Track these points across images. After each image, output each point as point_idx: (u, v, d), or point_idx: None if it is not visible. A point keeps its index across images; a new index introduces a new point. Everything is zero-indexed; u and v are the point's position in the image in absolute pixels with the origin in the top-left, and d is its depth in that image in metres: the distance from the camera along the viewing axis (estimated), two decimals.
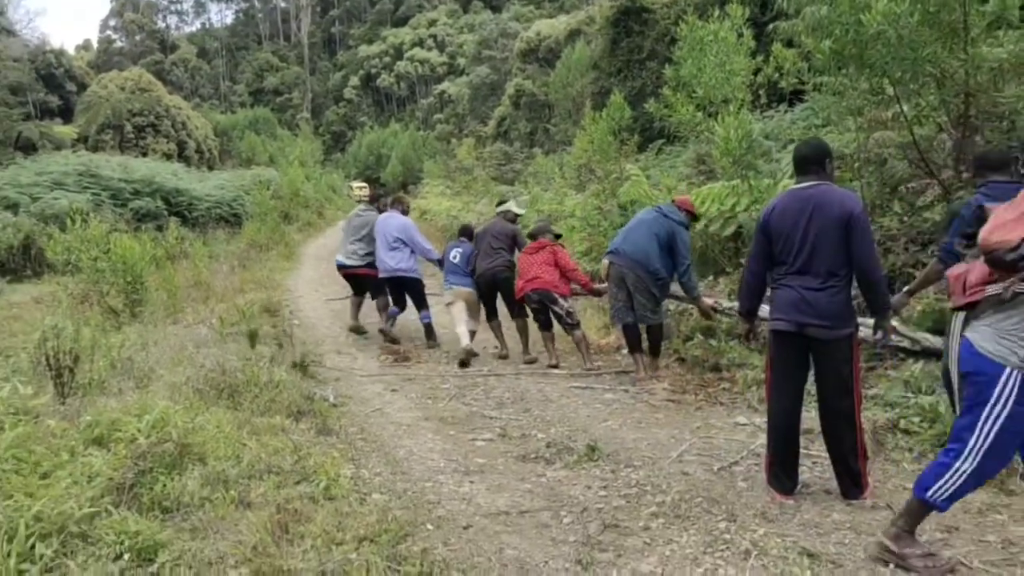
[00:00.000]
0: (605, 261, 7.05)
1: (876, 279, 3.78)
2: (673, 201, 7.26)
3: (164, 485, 3.56)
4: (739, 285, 4.70)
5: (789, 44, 9.48)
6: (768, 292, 4.16)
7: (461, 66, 72.89)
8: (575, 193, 18.02)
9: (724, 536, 3.46)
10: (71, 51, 77.70)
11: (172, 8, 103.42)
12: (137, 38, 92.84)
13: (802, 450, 4.15)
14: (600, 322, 8.78)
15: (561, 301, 7.36)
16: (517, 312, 7.95)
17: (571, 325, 7.43)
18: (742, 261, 8.48)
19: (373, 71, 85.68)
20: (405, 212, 8.98)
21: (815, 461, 4.43)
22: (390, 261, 8.36)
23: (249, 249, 17.42)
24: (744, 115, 8.92)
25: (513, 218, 8.54)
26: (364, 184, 49.39)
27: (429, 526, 3.58)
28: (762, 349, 5.62)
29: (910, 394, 5.12)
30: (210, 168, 39.39)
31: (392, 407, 5.98)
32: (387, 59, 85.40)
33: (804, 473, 4.24)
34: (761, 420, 4.93)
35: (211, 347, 6.44)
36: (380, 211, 9.06)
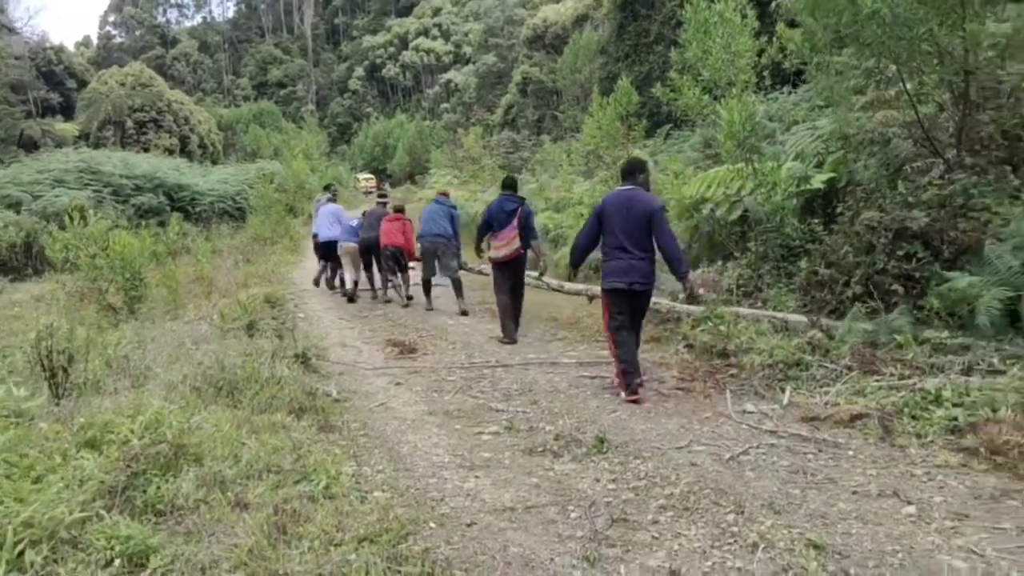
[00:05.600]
0: (417, 244, 10.43)
1: (672, 254, 5.70)
2: (443, 193, 11.07)
3: (158, 487, 3.48)
4: (571, 247, 6.58)
5: (792, 24, 9.33)
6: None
7: (467, 55, 72.63)
8: (583, 180, 17.87)
9: (732, 529, 3.37)
10: (71, 48, 77.83)
11: (172, 2, 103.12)
12: (137, 33, 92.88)
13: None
14: None
15: (403, 258, 10.97)
16: (385, 267, 11.30)
17: (406, 271, 11.18)
18: (749, 246, 8.41)
19: (378, 61, 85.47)
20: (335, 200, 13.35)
21: (820, 449, 4.35)
22: (342, 233, 12.03)
23: (253, 243, 17.35)
24: (747, 97, 8.77)
25: (385, 204, 12.41)
26: (371, 175, 49.36)
27: (432, 524, 3.49)
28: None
29: (915, 378, 5.02)
30: (214, 163, 39.31)
31: (397, 401, 5.88)
32: (392, 49, 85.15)
33: (809, 461, 4.20)
34: (768, 406, 5.22)
35: (211, 343, 6.35)
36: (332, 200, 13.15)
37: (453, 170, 34.62)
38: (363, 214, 12.30)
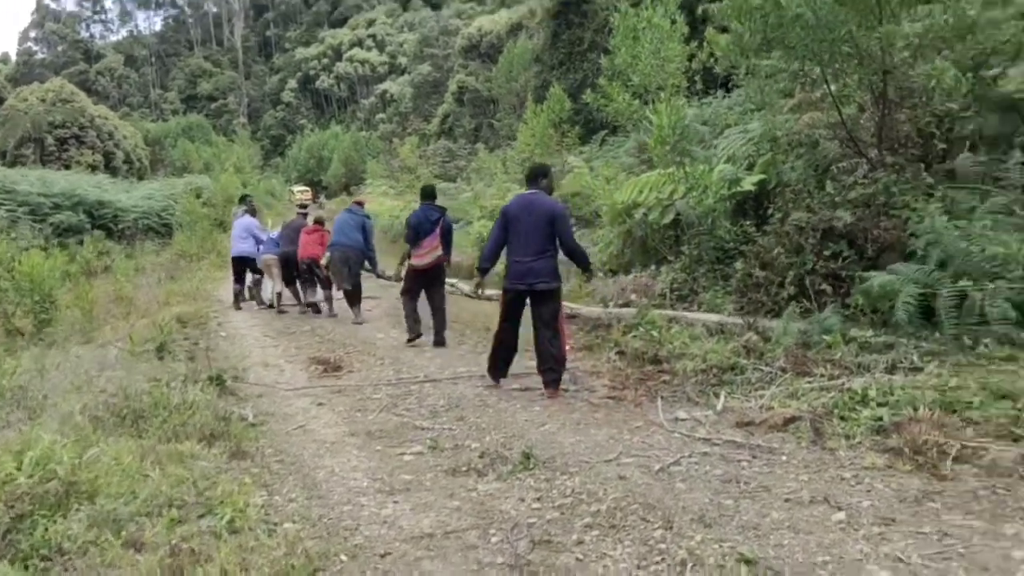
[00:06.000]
0: (327, 254, 10.29)
1: (575, 252, 6.26)
2: (357, 202, 11.37)
3: (45, 530, 3.19)
4: (482, 251, 6.80)
5: (724, 30, 9.38)
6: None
7: (402, 65, 72.32)
8: (519, 187, 17.80)
9: (660, 546, 3.22)
10: None
11: (96, 17, 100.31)
12: (60, 49, 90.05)
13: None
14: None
15: (321, 270, 10.83)
16: (304, 280, 11.44)
17: (327, 285, 11.00)
18: (683, 250, 8.39)
19: (311, 73, 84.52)
20: (253, 214, 12.95)
21: (754, 455, 4.25)
22: (258, 246, 12.08)
23: (179, 260, 16.84)
24: (677, 101, 8.76)
25: (305, 215, 12.35)
26: (306, 188, 48.57)
27: (343, 557, 3.27)
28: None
29: (844, 378, 4.99)
30: (140, 178, 38.09)
31: (317, 423, 5.61)
32: (325, 60, 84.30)
33: (743, 468, 4.10)
34: (701, 413, 5.16)
35: (118, 369, 5.99)
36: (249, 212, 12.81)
37: (389, 180, 34.29)
38: (282, 226, 12.29)
